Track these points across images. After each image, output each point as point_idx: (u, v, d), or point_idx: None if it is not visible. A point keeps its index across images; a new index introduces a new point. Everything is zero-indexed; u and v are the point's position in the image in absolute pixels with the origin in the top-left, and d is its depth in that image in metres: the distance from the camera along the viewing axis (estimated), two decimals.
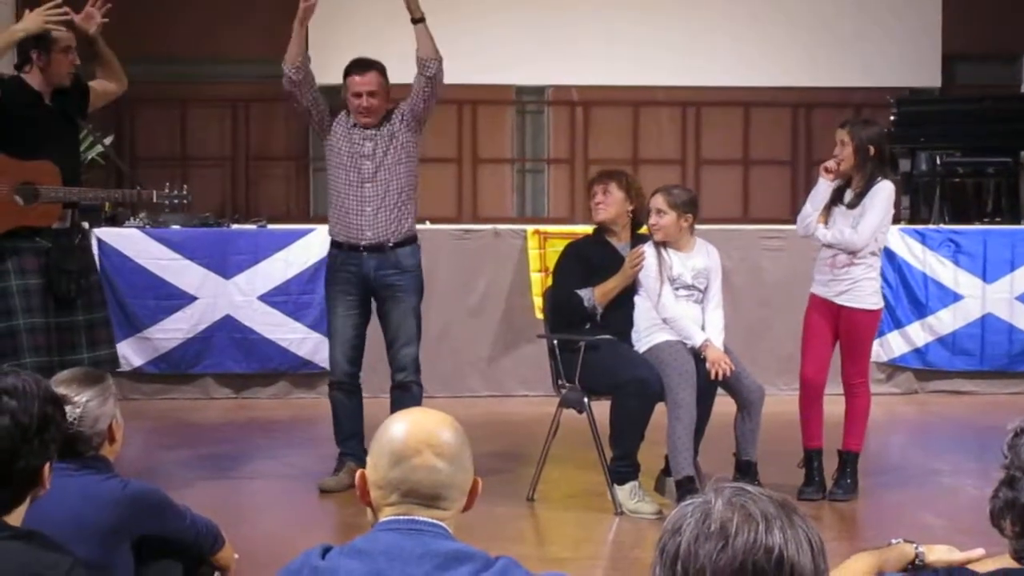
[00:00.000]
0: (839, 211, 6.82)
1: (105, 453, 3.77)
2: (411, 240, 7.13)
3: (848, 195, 6.82)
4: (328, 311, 7.27)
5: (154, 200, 6.94)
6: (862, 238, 6.73)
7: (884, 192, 6.78)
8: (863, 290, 6.83)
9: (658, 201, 6.80)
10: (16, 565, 2.63)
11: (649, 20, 12.71)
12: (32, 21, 6.49)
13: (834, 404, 7.02)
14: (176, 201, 6.98)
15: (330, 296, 7.19)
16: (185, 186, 7.06)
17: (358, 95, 7.03)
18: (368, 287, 7.07)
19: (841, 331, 6.87)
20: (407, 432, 2.69)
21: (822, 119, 12.87)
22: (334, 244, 7.18)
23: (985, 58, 13.18)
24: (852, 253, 6.77)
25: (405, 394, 6.97)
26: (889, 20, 12.90)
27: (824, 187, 6.83)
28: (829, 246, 6.83)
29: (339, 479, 6.98)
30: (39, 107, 6.54)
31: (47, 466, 2.82)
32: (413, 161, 7.11)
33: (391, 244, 7.04)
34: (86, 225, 7.44)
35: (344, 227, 7.08)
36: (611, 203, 6.93)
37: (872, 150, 6.77)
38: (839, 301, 6.82)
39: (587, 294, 6.80)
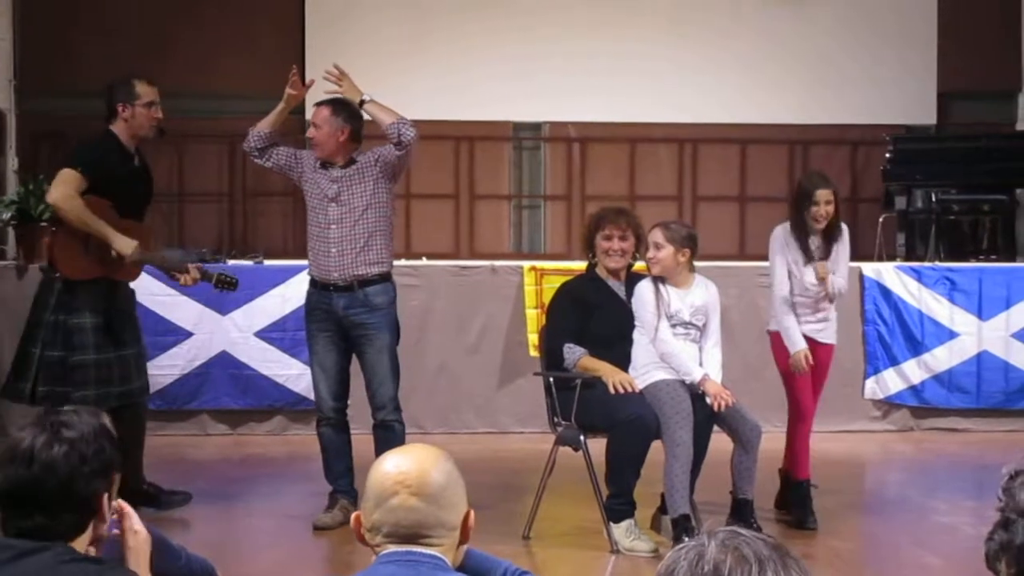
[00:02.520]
0: (808, 268, 6.96)
1: None
2: (382, 279, 7.13)
3: (814, 247, 7.05)
4: (309, 349, 7.27)
5: (212, 284, 7.33)
6: (846, 282, 7.20)
7: (847, 236, 7.19)
8: (832, 327, 7.19)
9: (656, 235, 6.80)
10: None
11: (646, 57, 12.75)
12: (119, 245, 6.90)
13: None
14: (224, 288, 7.46)
15: (310, 333, 7.21)
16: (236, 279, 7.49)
17: (309, 126, 7.25)
18: (340, 326, 7.09)
19: (814, 363, 7.06)
20: (384, 474, 2.79)
21: (819, 156, 12.90)
22: (311, 282, 7.24)
23: (981, 96, 13.21)
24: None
25: (388, 433, 6.97)
26: (885, 58, 12.94)
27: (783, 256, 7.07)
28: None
29: (333, 516, 6.97)
30: (129, 164, 7.11)
31: (105, 497, 2.98)
32: (384, 206, 7.12)
33: (358, 284, 7.06)
34: None
35: (316, 266, 7.16)
36: (628, 250, 6.94)
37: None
38: (818, 338, 7.10)
39: (572, 357, 6.79)
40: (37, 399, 6.89)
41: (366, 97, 7.13)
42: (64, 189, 6.84)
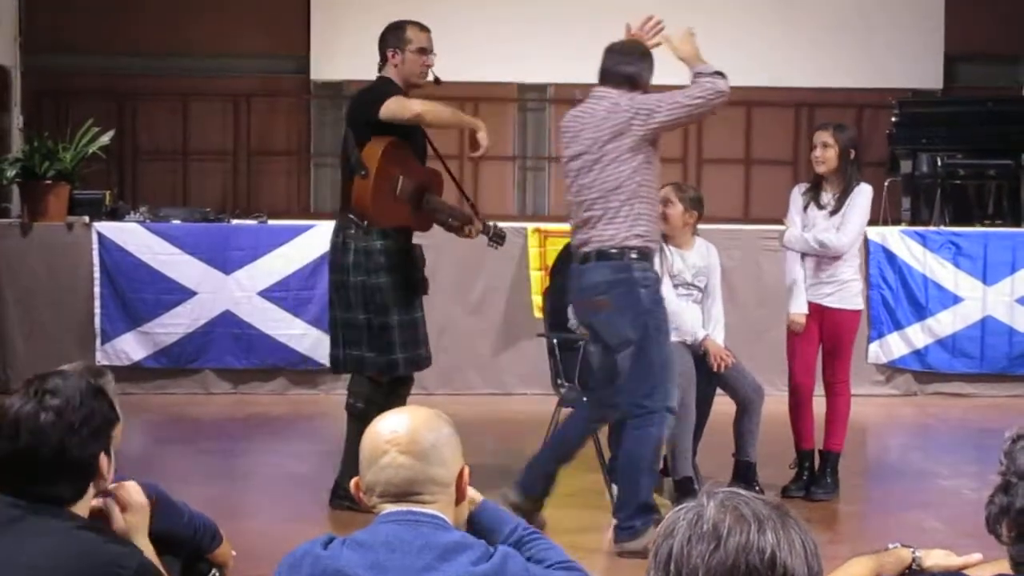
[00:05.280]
0: (820, 215, 6.85)
1: None
2: None
3: (826, 198, 6.85)
4: (663, 344, 5.91)
5: (488, 236, 7.04)
6: (848, 240, 6.81)
7: (866, 195, 6.87)
8: (850, 291, 6.92)
9: (668, 192, 6.81)
10: (91, 553, 2.85)
11: None
12: (482, 131, 6.73)
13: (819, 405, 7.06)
14: (495, 243, 7.11)
15: (664, 327, 5.94)
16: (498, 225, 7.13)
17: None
18: None
19: (826, 332, 6.92)
20: (377, 435, 2.83)
21: (824, 119, 12.83)
22: (643, 255, 5.95)
23: (987, 60, 13.18)
24: (836, 257, 6.82)
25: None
26: (892, 21, 12.89)
27: (797, 199, 6.95)
28: (812, 254, 6.86)
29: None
30: None
31: (102, 456, 2.97)
32: None
33: None
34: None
35: (655, 235, 6.09)
36: None
37: (852, 153, 6.84)
38: (826, 303, 6.89)
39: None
40: (348, 366, 6.62)
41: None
42: (403, 101, 6.45)
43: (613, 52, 6.32)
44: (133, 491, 3.25)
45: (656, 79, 6.29)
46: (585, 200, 5.94)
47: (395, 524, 2.74)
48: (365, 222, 6.53)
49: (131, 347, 9.54)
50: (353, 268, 6.54)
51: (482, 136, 6.70)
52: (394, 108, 6.42)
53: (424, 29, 6.72)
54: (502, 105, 13.16)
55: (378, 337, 6.52)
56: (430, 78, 6.67)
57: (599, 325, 5.98)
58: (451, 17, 12.21)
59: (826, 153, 6.82)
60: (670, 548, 1.95)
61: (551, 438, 6.42)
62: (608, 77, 6.23)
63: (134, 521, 3.23)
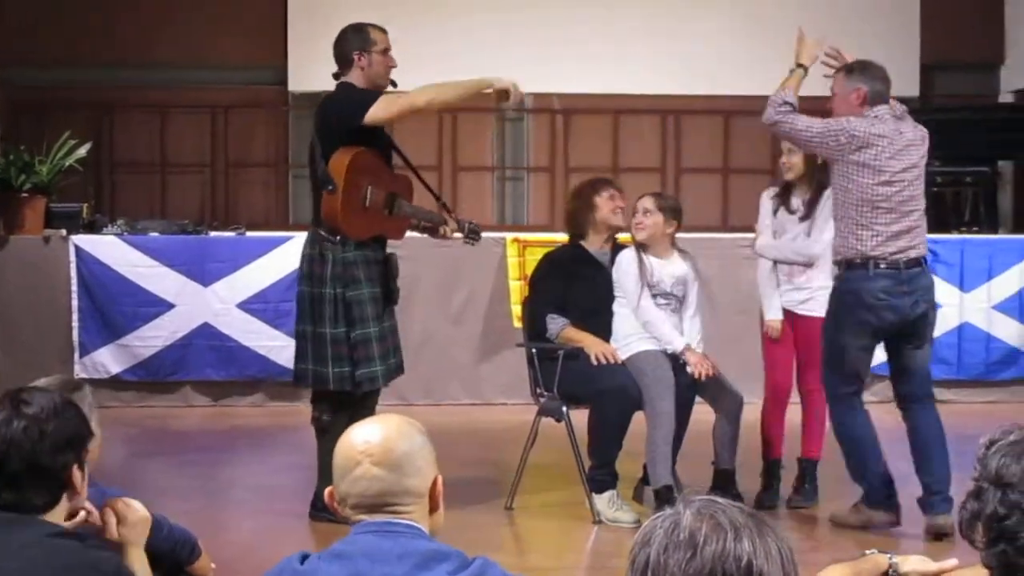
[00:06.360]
0: (789, 220, 6.89)
1: None
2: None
3: (796, 202, 6.90)
4: None
5: (464, 234, 7.07)
6: (820, 248, 6.81)
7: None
8: (823, 298, 6.78)
9: (646, 202, 6.83)
10: (73, 560, 2.90)
11: (630, 28, 12.73)
12: (501, 81, 6.55)
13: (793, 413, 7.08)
14: (471, 239, 7.11)
15: None
16: (473, 222, 7.17)
17: None
18: None
19: (799, 339, 6.95)
20: (350, 446, 2.81)
21: None
22: None
23: (963, 68, 13.22)
24: (809, 264, 6.86)
25: None
26: (867, 30, 12.91)
27: (767, 203, 6.99)
28: (784, 262, 6.90)
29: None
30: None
31: (75, 469, 3.02)
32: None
33: None
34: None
35: None
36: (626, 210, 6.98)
37: (819, 158, 6.84)
38: (800, 310, 6.94)
39: (555, 327, 6.79)
40: (319, 381, 6.51)
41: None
42: (396, 98, 6.42)
43: (879, 70, 6.94)
44: (134, 505, 3.33)
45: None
46: (914, 210, 6.55)
47: (372, 535, 2.73)
48: (338, 236, 6.49)
49: (109, 360, 9.51)
50: (331, 280, 6.48)
51: (495, 82, 6.55)
52: (389, 107, 6.39)
53: (384, 30, 6.64)
54: (480, 115, 13.15)
55: (357, 350, 6.47)
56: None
57: (931, 323, 6.54)
58: (429, 27, 12.23)
59: (791, 159, 6.93)
60: (647, 556, 1.96)
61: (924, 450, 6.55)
62: (884, 98, 6.80)
63: (129, 535, 3.30)
